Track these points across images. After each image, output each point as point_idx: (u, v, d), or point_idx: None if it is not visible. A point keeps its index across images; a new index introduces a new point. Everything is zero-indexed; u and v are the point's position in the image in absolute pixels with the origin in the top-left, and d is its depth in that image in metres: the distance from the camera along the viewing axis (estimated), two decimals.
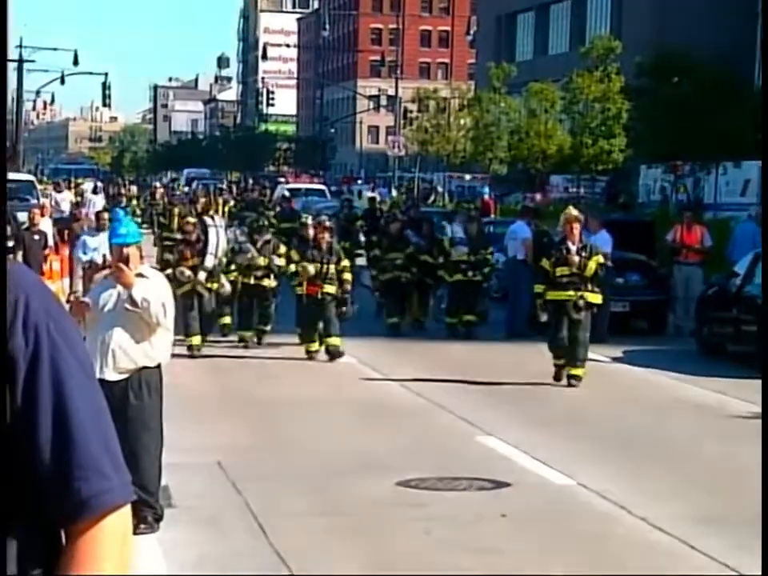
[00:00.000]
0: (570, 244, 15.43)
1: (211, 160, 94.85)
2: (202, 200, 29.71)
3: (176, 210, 28.13)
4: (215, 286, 17.55)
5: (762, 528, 5.43)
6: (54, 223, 24.27)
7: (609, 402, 14.75)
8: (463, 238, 20.43)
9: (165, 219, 28.08)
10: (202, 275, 17.28)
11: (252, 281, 18.20)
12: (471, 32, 79.18)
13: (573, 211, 15.88)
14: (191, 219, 18.77)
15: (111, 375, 8.42)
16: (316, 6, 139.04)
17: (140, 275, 8.72)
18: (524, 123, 48.43)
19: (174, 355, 9.33)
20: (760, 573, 5.96)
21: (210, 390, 15.02)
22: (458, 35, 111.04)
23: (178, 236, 27.68)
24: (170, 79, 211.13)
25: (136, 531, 8.02)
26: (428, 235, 21.35)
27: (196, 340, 17.23)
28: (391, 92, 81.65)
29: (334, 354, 17.11)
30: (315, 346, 17.26)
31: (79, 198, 36.21)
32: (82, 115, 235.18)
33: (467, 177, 62.23)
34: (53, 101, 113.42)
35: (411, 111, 72.06)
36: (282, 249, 18.34)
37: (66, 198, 36.20)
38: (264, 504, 9.60)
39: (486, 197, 44.78)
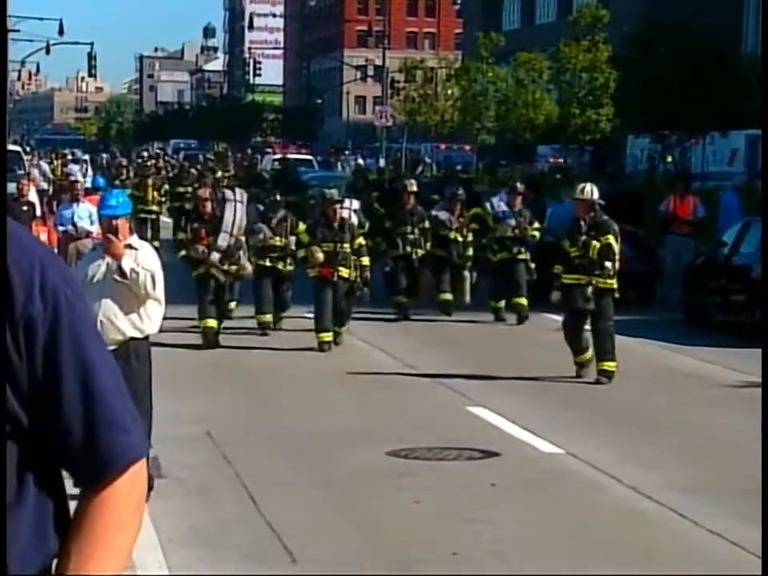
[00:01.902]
0: (581, 222, 14.05)
1: (198, 131, 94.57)
2: (193, 171, 29.53)
3: (149, 182, 27.74)
4: (234, 268, 15.84)
5: (762, 527, 5.46)
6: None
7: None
8: (507, 211, 18.82)
9: (138, 192, 27.18)
10: (215, 256, 15.59)
11: (268, 263, 16.63)
12: (458, 1, 78.90)
13: (580, 186, 14.41)
14: (202, 192, 16.94)
15: None
16: None
17: (129, 246, 8.74)
18: (511, 93, 48.38)
19: (168, 329, 9.34)
20: (760, 573, 6.00)
21: (199, 361, 15.02)
22: (444, 4, 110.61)
23: (155, 208, 27.49)
24: (156, 49, 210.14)
25: None
26: (408, 206, 18.97)
27: (211, 322, 15.66)
28: (378, 62, 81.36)
29: (335, 340, 16.03)
30: (328, 337, 15.70)
31: (65, 169, 36.03)
32: (68, 85, 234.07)
33: (455, 147, 62.14)
34: (38, 71, 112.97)
35: (398, 81, 71.90)
36: (302, 227, 16.50)
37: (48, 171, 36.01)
38: (254, 474, 9.62)
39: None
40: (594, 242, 13.77)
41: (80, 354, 2.19)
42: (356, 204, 17.76)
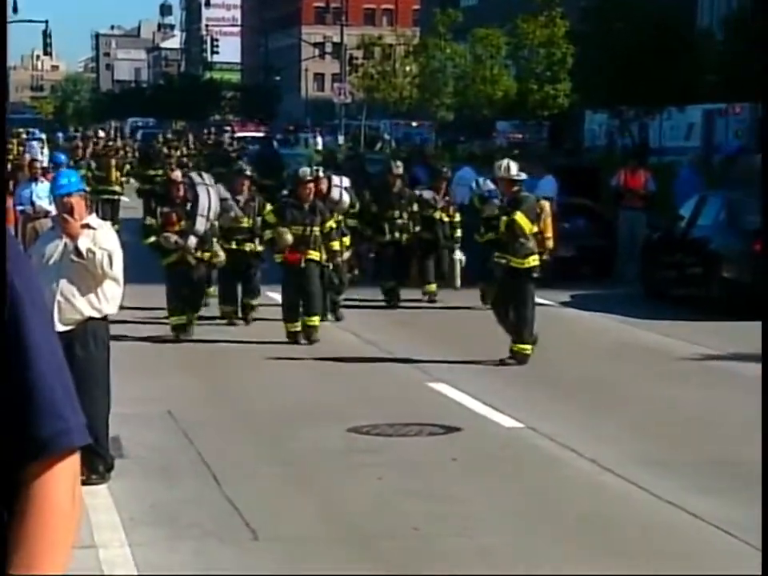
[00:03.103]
0: (504, 198, 13.92)
1: (155, 109, 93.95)
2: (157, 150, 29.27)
3: (112, 162, 27.49)
4: (207, 255, 15.03)
5: (762, 526, 5.49)
6: None
7: (557, 346, 14.82)
8: (494, 190, 18.04)
9: (101, 172, 26.88)
10: (192, 241, 14.64)
11: (234, 245, 15.69)
12: None
13: (498, 164, 14.14)
14: (176, 175, 15.97)
15: (57, 326, 8.36)
16: None
17: (87, 226, 8.68)
18: (470, 69, 48.31)
19: (125, 308, 9.28)
20: (760, 573, 6.03)
21: (161, 341, 14.93)
22: None
23: (116, 188, 27.20)
24: (112, 27, 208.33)
25: (87, 482, 8.02)
26: (395, 189, 18.04)
27: (179, 319, 14.77)
28: (336, 39, 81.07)
29: (309, 336, 14.68)
30: (298, 326, 14.71)
31: (21, 148, 35.69)
32: (23, 64, 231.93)
33: (414, 123, 62.09)
34: None
35: (357, 58, 71.65)
36: (269, 208, 15.58)
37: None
38: (216, 453, 9.61)
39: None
40: (504, 218, 13.53)
41: (22, 337, 2.18)
42: (346, 182, 16.80)
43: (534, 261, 13.44)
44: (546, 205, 14.63)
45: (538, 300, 17.06)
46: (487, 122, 51.02)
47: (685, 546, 7.59)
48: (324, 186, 15.99)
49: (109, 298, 8.65)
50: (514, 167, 13.79)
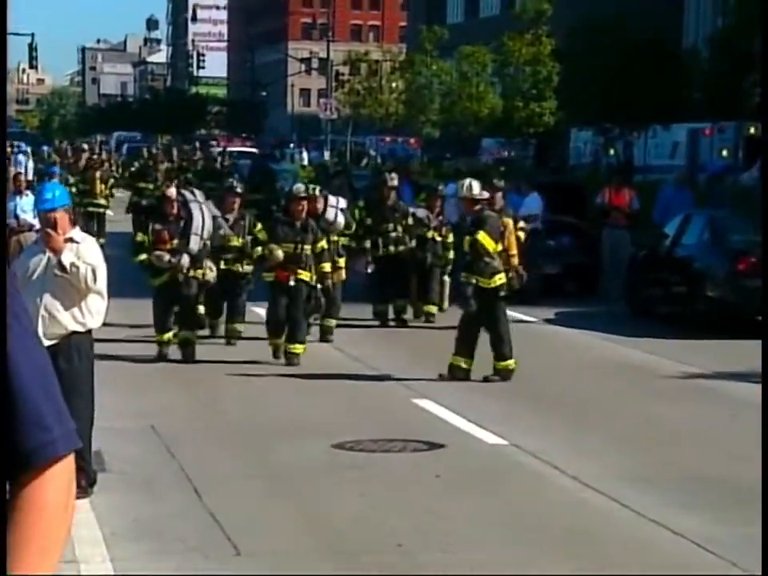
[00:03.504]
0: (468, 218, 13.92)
1: (141, 123, 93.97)
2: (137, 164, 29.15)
3: (97, 174, 27.42)
4: (199, 273, 14.44)
5: (762, 527, 5.52)
6: None
7: (541, 364, 14.86)
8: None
9: (85, 185, 26.74)
10: (185, 260, 14.14)
11: (222, 265, 15.12)
12: None
13: (461, 183, 14.07)
14: (171, 192, 15.14)
15: (43, 341, 8.30)
16: None
17: (70, 240, 8.67)
18: (456, 86, 48.49)
19: (110, 324, 9.26)
20: (760, 573, 6.05)
21: (143, 355, 14.89)
22: None
23: (102, 201, 27.13)
24: (99, 41, 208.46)
25: None
26: (390, 202, 17.56)
27: (167, 336, 14.41)
28: (323, 55, 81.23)
29: (290, 361, 14.22)
30: (281, 342, 14.38)
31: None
32: (9, 77, 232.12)
33: (399, 140, 62.21)
34: None
35: (343, 74, 71.85)
36: (260, 226, 15.06)
37: None
38: (198, 467, 9.59)
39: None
40: (467, 238, 13.45)
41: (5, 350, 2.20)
42: (342, 202, 16.14)
43: (500, 280, 13.36)
44: (510, 222, 14.40)
45: (522, 317, 17.17)
46: (473, 139, 51.15)
47: (666, 563, 7.59)
48: (320, 205, 15.56)
49: (93, 312, 8.65)
50: (476, 186, 13.73)
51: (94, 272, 8.52)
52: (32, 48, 66.37)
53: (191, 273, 14.33)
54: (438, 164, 46.67)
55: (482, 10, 70.71)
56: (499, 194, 15.58)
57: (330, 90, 70.05)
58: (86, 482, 8.56)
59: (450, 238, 17.77)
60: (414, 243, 17.43)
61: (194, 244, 14.29)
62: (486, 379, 13.32)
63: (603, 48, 34.20)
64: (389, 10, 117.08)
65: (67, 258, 8.50)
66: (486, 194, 13.85)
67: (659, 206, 21.25)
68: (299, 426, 11.22)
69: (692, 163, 36.81)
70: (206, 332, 15.61)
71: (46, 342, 8.27)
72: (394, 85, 60.36)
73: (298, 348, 14.22)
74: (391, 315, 17.67)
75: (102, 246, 27.41)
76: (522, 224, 15.30)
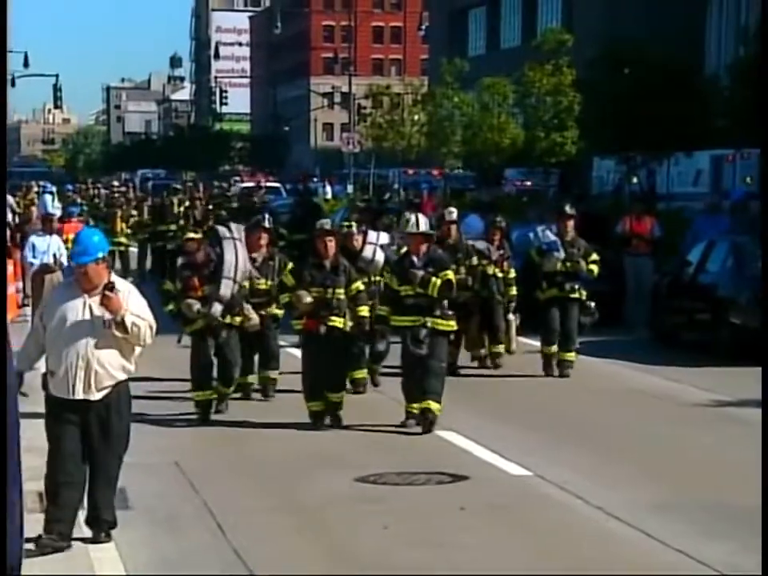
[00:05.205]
0: (413, 258, 12.50)
1: (166, 160, 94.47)
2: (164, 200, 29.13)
3: (117, 213, 27.54)
4: (237, 320, 13.20)
5: (762, 528, 5.48)
6: None
7: (566, 393, 14.81)
8: (554, 242, 16.04)
9: (106, 224, 26.80)
10: (216, 308, 12.83)
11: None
12: (423, 27, 79.19)
13: (406, 218, 12.88)
14: (194, 234, 13.95)
15: (95, 395, 8.14)
16: (267, 3, 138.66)
17: (112, 287, 8.18)
18: (477, 117, 48.53)
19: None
20: (760, 573, 6.01)
21: (166, 385, 14.83)
22: (410, 31, 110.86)
23: (123, 240, 27.20)
24: (123, 80, 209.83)
25: (96, 540, 8.01)
26: (450, 240, 15.34)
27: (205, 394, 13.00)
28: (345, 89, 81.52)
29: (335, 413, 12.70)
30: (318, 407, 12.64)
31: (29, 201, 35.80)
32: (35, 118, 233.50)
33: (422, 171, 62.29)
34: None
35: (365, 108, 72.01)
36: (288, 268, 13.61)
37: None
38: (222, 502, 9.59)
39: (425, 193, 40.04)
40: (435, 279, 12.27)
41: None
42: (384, 238, 14.62)
43: (454, 323, 12.70)
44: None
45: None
46: (495, 170, 51.15)
47: None
48: (357, 242, 14.15)
49: (133, 359, 8.39)
50: (423, 223, 12.62)
51: (151, 328, 8.21)
52: (56, 88, 66.94)
53: (228, 319, 13.03)
54: (461, 195, 46.68)
55: (503, 41, 70.87)
56: (453, 227, 15.17)
57: (352, 123, 70.24)
58: (107, 527, 8.40)
59: (512, 273, 16.44)
60: (477, 287, 15.67)
61: (225, 288, 12.93)
62: (402, 424, 12.40)
63: (623, 77, 34.20)
64: (410, 44, 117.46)
65: (129, 320, 8.09)
66: (432, 231, 12.94)
67: (692, 237, 20.93)
68: (322, 458, 11.20)
69: (715, 190, 36.70)
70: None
71: (97, 396, 8.15)
72: (415, 117, 60.43)
73: (338, 396, 12.68)
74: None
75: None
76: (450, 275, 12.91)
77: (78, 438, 8.20)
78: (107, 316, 8.13)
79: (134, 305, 8.20)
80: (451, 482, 10.35)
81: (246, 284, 13.42)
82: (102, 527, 8.33)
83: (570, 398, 14.56)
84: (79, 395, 8.12)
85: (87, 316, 8.15)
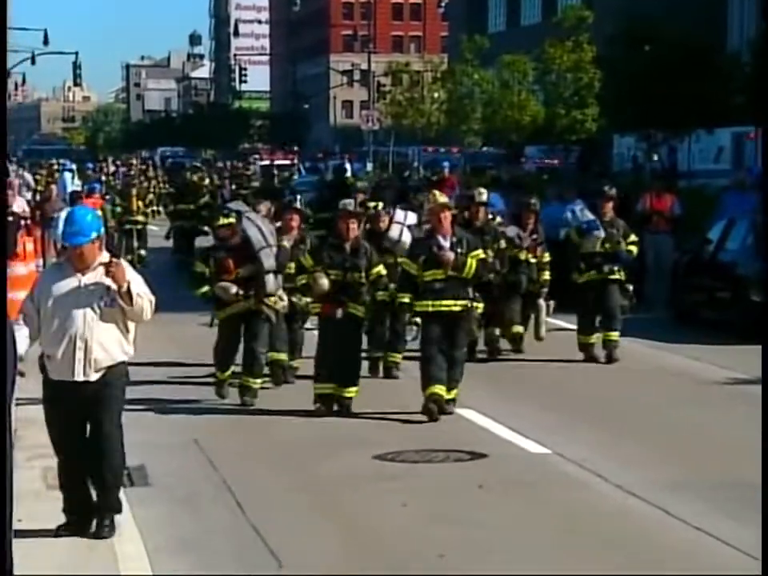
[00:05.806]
0: (439, 239, 11.96)
1: (185, 138, 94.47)
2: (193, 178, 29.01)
3: (134, 192, 27.56)
4: (271, 301, 12.61)
5: (762, 526, 5.48)
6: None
7: (585, 371, 14.79)
8: (593, 221, 15.50)
9: (123, 202, 26.79)
10: (270, 280, 12.46)
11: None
12: (443, 4, 79.02)
13: (441, 198, 12.28)
14: (226, 220, 12.79)
15: (94, 376, 8.03)
16: None
17: (106, 265, 8.04)
18: (497, 95, 48.41)
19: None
20: (760, 573, 6.01)
21: (185, 367, 14.90)
22: (430, 8, 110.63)
23: (140, 218, 27.23)
24: (142, 57, 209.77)
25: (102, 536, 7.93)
26: (478, 223, 14.65)
27: (225, 375, 12.77)
28: (364, 66, 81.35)
29: (344, 406, 12.25)
30: (328, 389, 12.16)
31: (50, 179, 35.88)
32: (54, 95, 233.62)
33: (441, 149, 62.20)
34: (24, 81, 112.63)
35: (385, 85, 71.96)
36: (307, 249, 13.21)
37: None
38: (241, 481, 9.62)
39: (446, 170, 40.41)
40: (470, 260, 11.87)
41: None
42: (411, 218, 14.15)
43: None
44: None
45: (565, 325, 17.04)
46: (514, 147, 51.01)
47: (708, 569, 7.54)
48: (384, 222, 13.78)
49: (131, 340, 8.24)
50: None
51: (151, 303, 8.08)
52: (76, 66, 67.02)
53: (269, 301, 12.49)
54: (481, 173, 46.56)
55: (523, 18, 70.61)
56: (482, 209, 14.59)
57: (371, 101, 70.15)
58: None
59: (546, 258, 15.81)
60: (505, 271, 15.05)
61: (268, 258, 12.45)
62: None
63: (644, 53, 34.04)
64: (429, 21, 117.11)
65: (134, 289, 7.94)
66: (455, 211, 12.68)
67: (721, 214, 20.59)
68: (340, 437, 11.22)
69: (737, 167, 36.52)
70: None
71: (93, 376, 8.05)
72: (435, 95, 60.36)
73: (350, 391, 12.18)
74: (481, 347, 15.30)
75: (144, 258, 27.01)
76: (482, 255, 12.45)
77: (78, 420, 8.09)
78: (113, 286, 7.96)
79: (132, 279, 8.08)
80: (470, 460, 10.36)
81: (292, 265, 13.04)
82: (104, 517, 8.11)
83: (589, 376, 14.54)
84: (80, 377, 7.97)
85: (83, 294, 8.00)
